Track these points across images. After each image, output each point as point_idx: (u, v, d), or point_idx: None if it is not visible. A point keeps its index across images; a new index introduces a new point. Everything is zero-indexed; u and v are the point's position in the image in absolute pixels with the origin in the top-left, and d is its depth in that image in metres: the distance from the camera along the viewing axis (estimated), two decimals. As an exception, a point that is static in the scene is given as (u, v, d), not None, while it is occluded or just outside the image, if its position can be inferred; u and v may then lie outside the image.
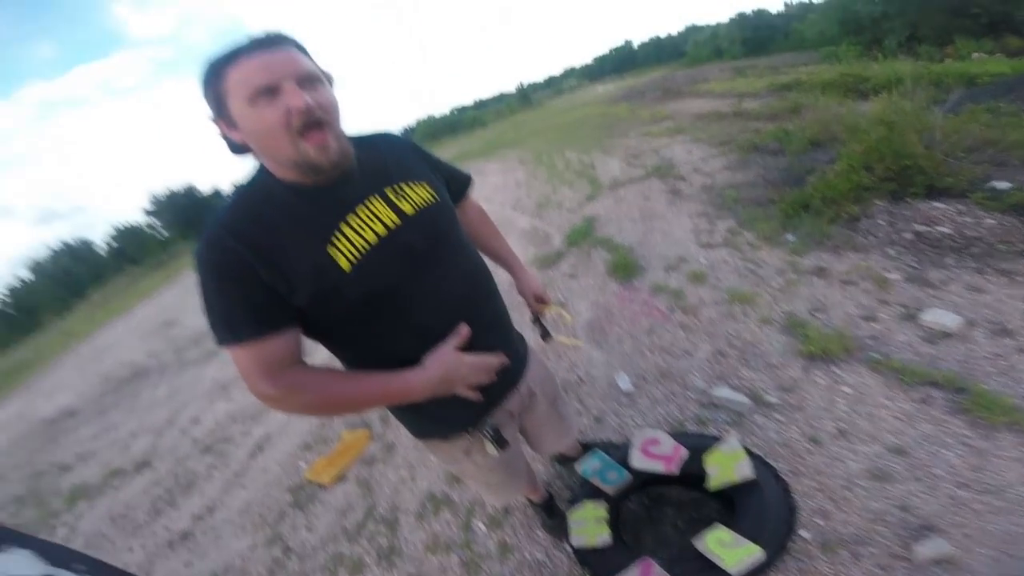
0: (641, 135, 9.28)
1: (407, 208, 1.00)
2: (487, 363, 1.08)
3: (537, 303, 1.54)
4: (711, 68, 23.49)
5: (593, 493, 1.81)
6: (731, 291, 3.07)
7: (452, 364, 1.01)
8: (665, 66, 48.31)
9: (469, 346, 1.06)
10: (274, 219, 0.89)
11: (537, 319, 1.59)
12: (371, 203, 0.96)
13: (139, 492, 3.93)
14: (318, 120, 0.86)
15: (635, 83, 27.69)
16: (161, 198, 57.35)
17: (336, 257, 0.90)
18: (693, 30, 52.48)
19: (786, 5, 36.93)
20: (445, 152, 21.23)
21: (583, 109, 19.78)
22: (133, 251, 47.89)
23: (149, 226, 55.31)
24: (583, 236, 4.83)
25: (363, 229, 0.93)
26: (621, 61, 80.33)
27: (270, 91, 0.84)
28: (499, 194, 8.52)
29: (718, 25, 39.02)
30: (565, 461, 2.23)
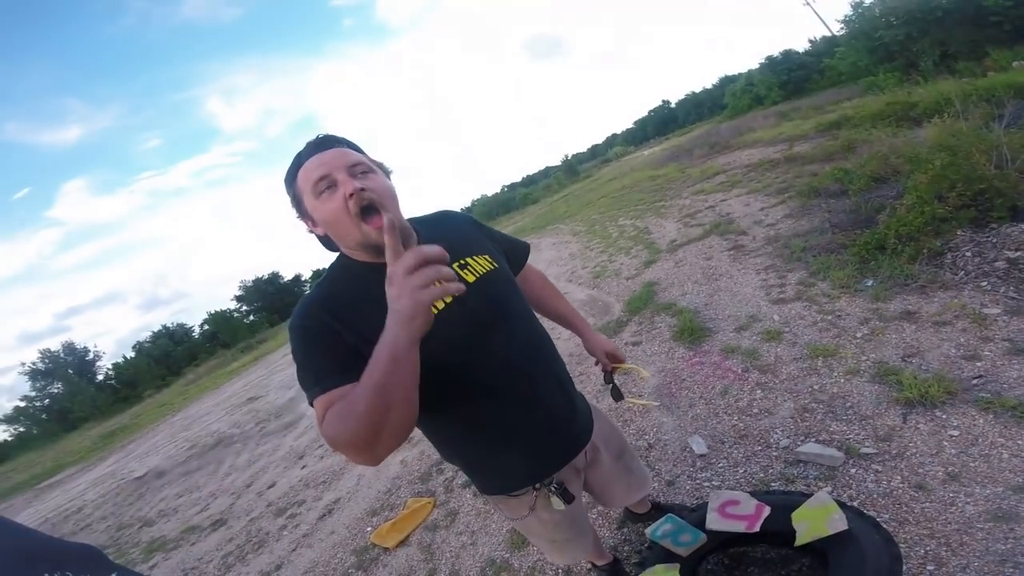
0: (694, 193, 9.23)
1: (470, 278, 1.09)
2: (427, 255, 0.83)
3: (610, 360, 1.56)
4: (754, 116, 23.18)
5: (665, 557, 1.66)
6: (811, 346, 2.89)
7: (396, 287, 0.82)
8: (707, 121, 48.67)
9: (534, 403, 1.13)
10: (353, 292, 1.00)
11: (610, 378, 1.59)
12: None
13: (212, 548, 4.13)
14: (373, 203, 0.96)
15: (680, 142, 27.95)
16: (248, 284, 62.81)
17: None
18: (727, 81, 52.50)
19: (811, 42, 36.02)
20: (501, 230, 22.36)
21: (631, 175, 20.04)
22: (224, 334, 52.83)
23: (238, 311, 61.01)
24: (644, 303, 4.73)
25: None
26: (662, 122, 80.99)
27: (328, 183, 0.96)
28: (553, 267, 8.58)
29: (750, 72, 38.69)
30: (636, 520, 2.12)
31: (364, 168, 1.00)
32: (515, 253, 1.39)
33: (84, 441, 23.04)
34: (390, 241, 0.81)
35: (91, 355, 53.45)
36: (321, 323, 0.97)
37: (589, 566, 2.01)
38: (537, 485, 1.24)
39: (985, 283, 2.73)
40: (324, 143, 1.03)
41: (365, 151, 1.08)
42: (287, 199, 1.07)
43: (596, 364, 1.59)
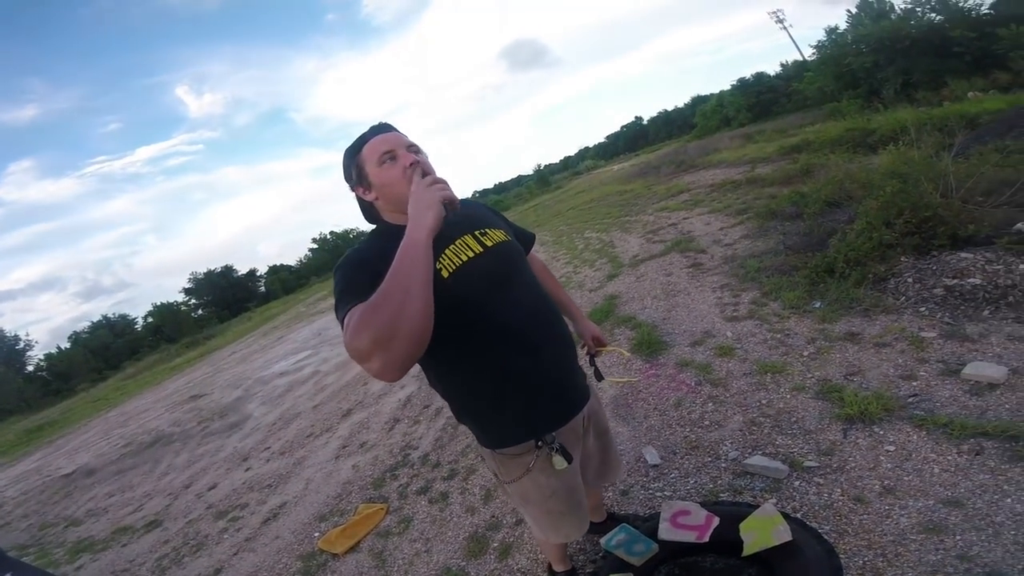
0: (659, 210, 9.50)
1: (488, 243, 1.30)
2: (437, 176, 1.16)
3: (595, 344, 1.77)
4: (721, 137, 23.81)
5: (618, 567, 1.71)
6: (760, 362, 3.01)
7: (415, 189, 1.11)
8: (676, 139, 49.52)
9: (540, 352, 1.28)
10: (390, 249, 1.07)
11: (593, 360, 1.77)
12: (464, 239, 1.28)
13: (145, 550, 3.98)
14: (429, 171, 1.21)
15: (649, 158, 28.55)
16: (200, 277, 60.33)
17: (440, 269, 1.19)
18: (699, 100, 53.48)
19: (782, 66, 37.61)
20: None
21: (600, 188, 20.43)
22: (169, 329, 50.40)
23: (186, 304, 58.37)
24: (605, 315, 4.82)
25: (458, 253, 1.24)
26: (633, 138, 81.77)
27: (391, 156, 1.21)
28: (518, 275, 8.67)
29: (722, 93, 39.50)
30: (591, 530, 2.13)
31: (415, 148, 1.26)
32: (523, 239, 1.57)
33: (7, 435, 21.50)
34: (415, 174, 1.16)
35: (21, 344, 50.04)
36: (363, 260, 1.19)
37: (546, 571, 2.03)
38: (538, 443, 1.33)
39: (924, 308, 2.91)
40: (385, 127, 1.29)
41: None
42: (346, 169, 1.31)
43: (582, 347, 1.76)
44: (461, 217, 1.28)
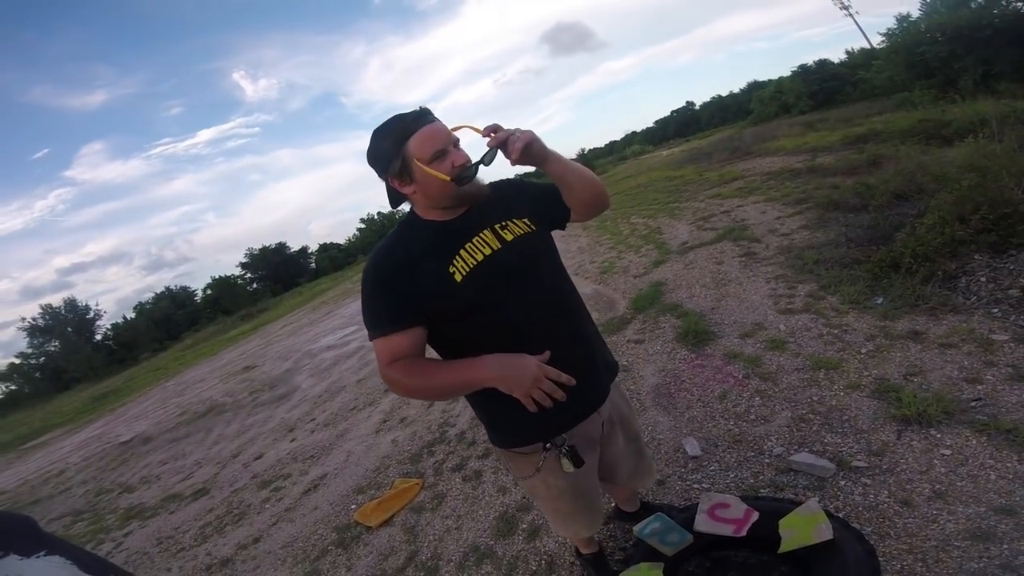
0: (710, 197, 9.20)
1: (508, 236, 1.31)
2: (555, 375, 1.17)
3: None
4: (779, 124, 22.53)
5: (650, 555, 1.70)
6: (814, 357, 2.91)
7: (515, 365, 1.17)
8: (730, 125, 47.74)
9: (554, 350, 1.25)
10: (415, 247, 1.27)
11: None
12: (482, 235, 1.30)
13: (191, 518, 4.21)
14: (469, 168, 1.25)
15: (700, 145, 27.64)
16: (255, 252, 62.99)
17: (453, 273, 1.24)
18: (756, 86, 50.65)
19: (848, 54, 35.29)
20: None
21: (648, 174, 19.91)
22: (226, 301, 52.47)
23: (242, 278, 61.14)
24: (650, 302, 4.75)
25: (474, 252, 1.26)
26: (684, 123, 78.50)
27: (441, 154, 1.22)
28: (561, 259, 8.58)
29: (781, 80, 37.58)
30: (624, 518, 2.16)
31: (457, 140, 1.27)
32: (555, 199, 1.43)
33: (75, 402, 23.35)
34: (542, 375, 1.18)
35: (92, 313, 53.33)
36: (384, 275, 1.25)
37: (574, 555, 2.05)
38: (548, 445, 1.35)
39: (996, 310, 2.74)
40: (428, 116, 1.25)
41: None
42: (382, 159, 1.27)
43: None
44: (486, 205, 1.33)
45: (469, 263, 1.25)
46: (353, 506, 3.32)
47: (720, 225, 6.68)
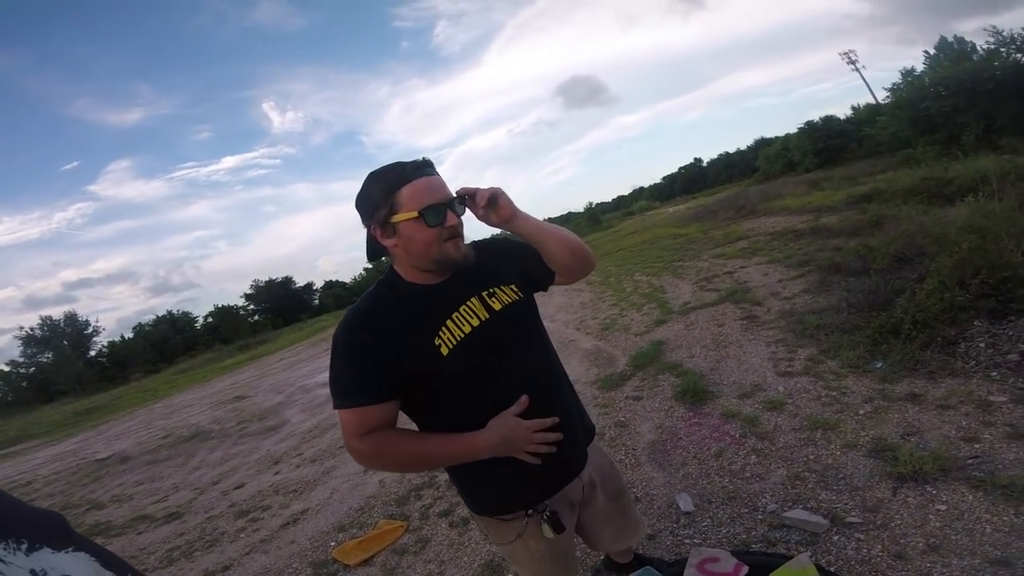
0: (714, 256, 9.32)
1: (496, 305, 1.26)
2: (544, 426, 1.21)
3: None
4: (785, 182, 22.79)
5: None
6: (811, 418, 2.91)
7: (511, 426, 1.18)
8: (737, 183, 48.45)
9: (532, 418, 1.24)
10: (398, 312, 1.20)
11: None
12: (469, 303, 1.24)
13: (159, 540, 4.12)
14: (459, 232, 1.20)
15: (706, 202, 27.90)
16: (261, 285, 63.44)
17: (439, 346, 1.17)
18: (762, 143, 51.16)
19: (854, 109, 36.01)
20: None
21: (653, 230, 20.21)
22: (226, 330, 52.56)
23: (244, 309, 61.38)
24: (650, 359, 4.75)
25: (461, 323, 1.20)
26: (691, 180, 79.06)
27: (434, 211, 1.13)
28: (563, 314, 8.62)
29: (787, 136, 38.18)
30: (615, 569, 2.11)
31: (457, 204, 1.19)
32: (540, 263, 1.37)
33: (56, 415, 22.89)
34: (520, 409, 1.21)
35: (90, 329, 53.39)
36: (361, 342, 1.16)
37: None
38: (530, 511, 1.30)
39: (995, 373, 2.76)
40: (427, 167, 1.18)
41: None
42: (368, 205, 1.19)
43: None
44: (474, 268, 1.26)
45: (456, 335, 1.19)
46: (333, 543, 3.25)
47: (723, 286, 6.75)
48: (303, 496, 4.23)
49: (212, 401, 12.23)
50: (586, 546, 1.91)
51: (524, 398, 1.20)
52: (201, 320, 59.89)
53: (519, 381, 1.24)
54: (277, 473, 5.05)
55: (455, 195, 1.21)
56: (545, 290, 1.41)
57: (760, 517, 2.26)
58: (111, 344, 53.67)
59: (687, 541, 2.27)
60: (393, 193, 1.14)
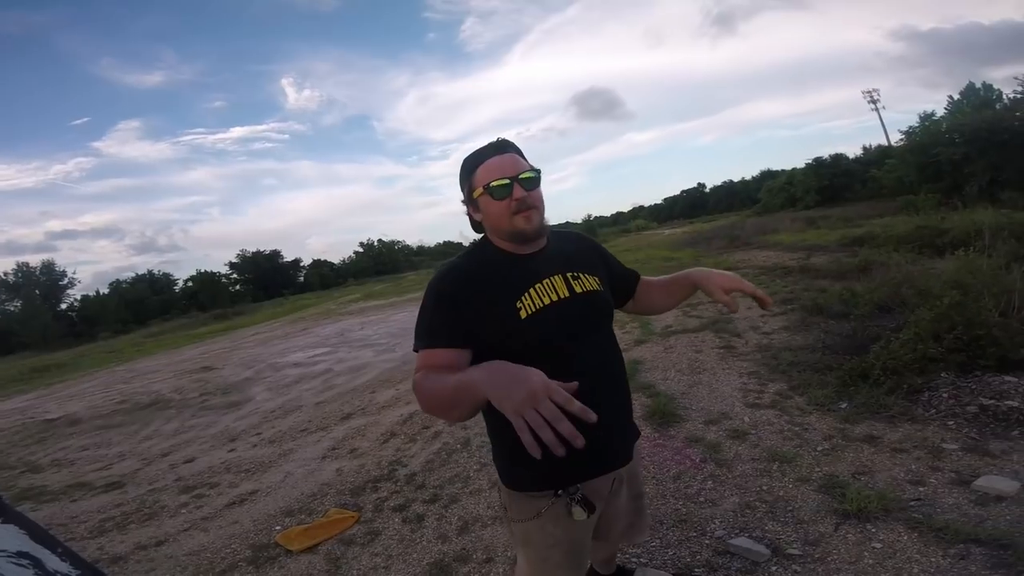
0: (702, 285, 9.43)
1: (578, 288, 1.34)
2: (564, 400, 0.90)
3: (727, 295, 1.51)
4: (783, 217, 23.17)
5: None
6: (771, 450, 2.99)
7: (519, 374, 0.95)
8: (736, 212, 48.98)
9: (599, 413, 1.15)
10: (487, 273, 1.30)
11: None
12: (554, 279, 1.32)
13: (93, 509, 4.05)
14: (529, 205, 1.27)
15: (703, 228, 28.27)
16: (247, 255, 62.51)
17: (519, 309, 1.25)
18: (767, 175, 52.27)
19: (864, 149, 36.54)
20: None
21: (647, 251, 20.37)
22: (205, 297, 51.54)
23: (227, 277, 60.44)
24: (625, 378, 4.80)
25: (543, 294, 1.29)
26: (692, 204, 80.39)
27: (502, 186, 1.25)
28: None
29: (793, 171, 38.21)
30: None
31: (528, 177, 1.28)
32: (624, 280, 1.62)
33: (12, 370, 22.40)
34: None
35: (66, 280, 52.29)
36: (452, 293, 1.26)
37: None
38: (559, 492, 1.32)
39: (952, 422, 2.86)
40: (503, 147, 1.32)
41: (526, 156, 1.37)
42: (461, 185, 1.36)
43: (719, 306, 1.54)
44: (559, 251, 1.39)
45: (537, 304, 1.26)
46: (278, 527, 3.22)
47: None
48: (255, 477, 4.20)
49: (178, 369, 12.10)
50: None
51: (575, 384, 0.95)
52: (181, 283, 59.15)
53: (591, 364, 1.30)
54: (232, 451, 5.02)
55: (531, 173, 1.29)
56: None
57: (707, 542, 2.31)
58: (84, 299, 52.72)
59: (633, 560, 2.29)
60: (472, 172, 1.31)
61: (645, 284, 1.67)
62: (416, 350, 1.27)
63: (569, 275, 1.34)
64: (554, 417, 0.88)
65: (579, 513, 1.30)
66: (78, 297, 53.19)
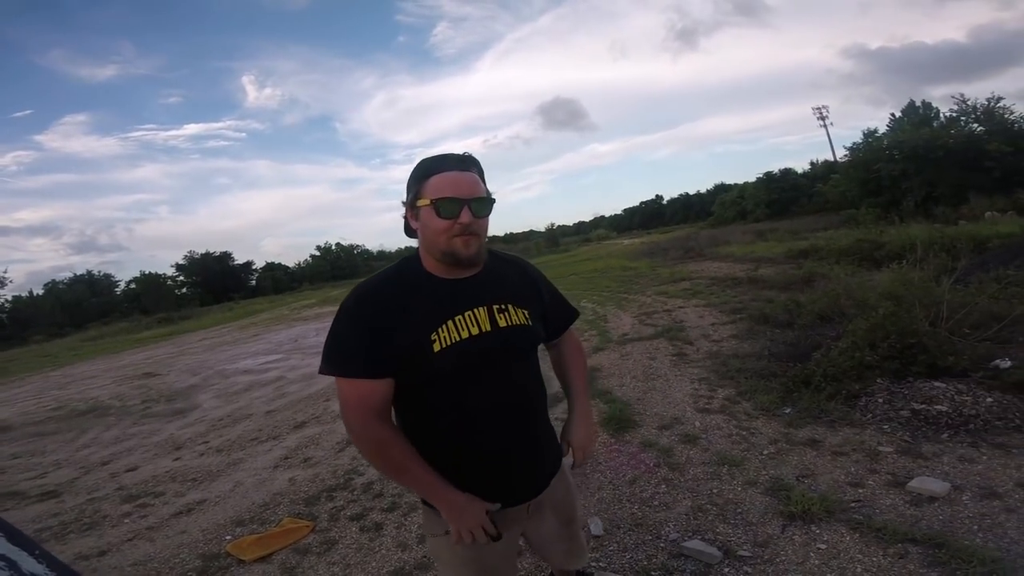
0: (657, 294, 9.80)
1: (502, 322, 1.28)
2: (491, 529, 1.26)
3: (576, 454, 1.54)
4: (735, 229, 24.19)
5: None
6: (720, 454, 3.10)
7: (470, 515, 1.24)
8: (692, 224, 50.79)
9: (504, 442, 1.29)
10: (407, 296, 1.23)
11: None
12: (477, 311, 1.26)
13: (28, 519, 3.87)
14: (472, 231, 1.21)
15: (660, 239, 28.87)
16: (196, 256, 59.63)
17: (433, 341, 1.20)
18: (721, 188, 54.60)
19: (812, 164, 38.40)
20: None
21: (607, 260, 20.80)
22: (148, 300, 49.00)
23: (173, 280, 57.52)
24: (583, 385, 4.89)
25: (462, 327, 1.23)
26: (650, 215, 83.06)
27: (450, 204, 1.18)
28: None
29: (745, 184, 40.13)
30: None
31: (481, 202, 1.22)
32: (559, 317, 1.52)
33: None
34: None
35: None
36: (370, 312, 1.20)
37: None
38: None
39: (887, 426, 3.05)
40: (465, 163, 1.24)
41: (485, 178, 1.30)
42: (408, 186, 1.26)
43: (561, 440, 1.54)
44: (493, 278, 1.32)
45: (453, 337, 1.21)
46: (229, 536, 3.14)
47: (660, 323, 7.06)
48: (202, 486, 4.07)
49: (118, 375, 11.58)
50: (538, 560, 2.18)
51: (497, 505, 1.28)
52: (123, 285, 56.39)
53: (501, 400, 1.27)
54: (177, 459, 4.85)
55: (485, 199, 1.24)
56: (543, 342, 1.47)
57: (662, 545, 2.37)
58: (16, 299, 49.25)
59: (593, 564, 2.32)
60: (425, 179, 1.21)
61: (575, 348, 1.60)
62: (329, 374, 1.22)
63: (496, 307, 1.29)
64: (479, 537, 1.25)
65: (481, 536, 1.27)
66: (9, 298, 49.43)
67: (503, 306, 1.29)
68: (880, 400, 3.28)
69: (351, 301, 1.23)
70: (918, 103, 32.09)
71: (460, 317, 1.23)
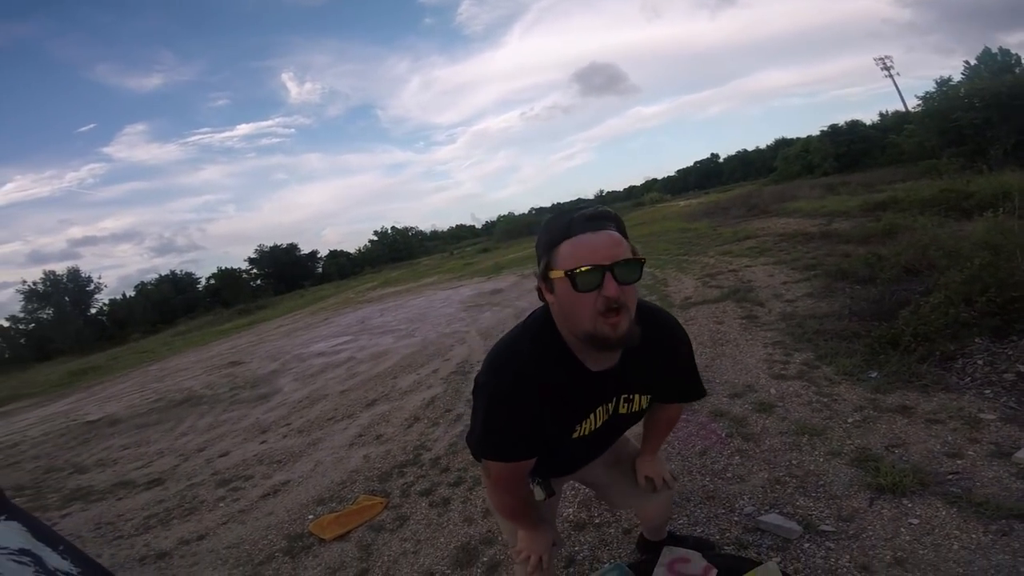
0: (721, 254, 9.27)
1: (623, 410, 1.31)
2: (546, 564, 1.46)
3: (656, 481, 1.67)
4: (801, 184, 22.68)
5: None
6: (799, 423, 2.90)
7: (536, 543, 1.45)
8: (752, 181, 48.46)
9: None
10: (559, 380, 1.17)
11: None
12: (608, 404, 1.28)
13: (138, 506, 4.15)
14: (620, 305, 1.03)
15: (719, 198, 27.55)
16: (265, 250, 64.02)
17: (575, 432, 1.26)
18: (782, 143, 51.58)
19: (881, 116, 36.03)
20: (520, 252, 22.30)
21: (663, 223, 20.06)
22: (227, 293, 53.25)
23: (247, 273, 62.10)
24: (644, 355, 4.76)
25: (596, 419, 1.28)
26: (706, 174, 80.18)
27: (591, 275, 1.00)
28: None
29: (809, 138, 38.08)
30: (646, 549, 2.08)
31: (627, 266, 1.03)
32: (683, 395, 1.48)
33: (52, 375, 23.19)
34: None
35: (92, 285, 53.54)
36: (520, 404, 1.16)
37: None
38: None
39: (988, 391, 2.74)
40: (600, 220, 1.05)
41: (627, 233, 1.11)
42: (537, 251, 1.12)
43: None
44: (634, 368, 1.23)
45: (590, 427, 1.28)
46: (311, 516, 3.27)
47: (726, 284, 6.70)
48: (286, 467, 4.26)
49: (207, 365, 12.30)
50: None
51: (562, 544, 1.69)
52: (203, 281, 60.58)
53: (585, 456, 1.45)
54: (263, 443, 5.08)
55: (631, 260, 1.04)
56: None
57: (736, 519, 2.26)
58: (112, 302, 54.31)
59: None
60: (555, 247, 1.06)
61: (674, 417, 1.61)
62: (487, 458, 1.27)
63: (623, 397, 1.29)
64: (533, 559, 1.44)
65: (539, 493, 1.39)
66: (106, 301, 54.89)
67: (630, 396, 1.30)
68: (980, 362, 2.96)
69: (509, 385, 1.15)
70: (994, 50, 29.74)
71: (600, 408, 1.26)
